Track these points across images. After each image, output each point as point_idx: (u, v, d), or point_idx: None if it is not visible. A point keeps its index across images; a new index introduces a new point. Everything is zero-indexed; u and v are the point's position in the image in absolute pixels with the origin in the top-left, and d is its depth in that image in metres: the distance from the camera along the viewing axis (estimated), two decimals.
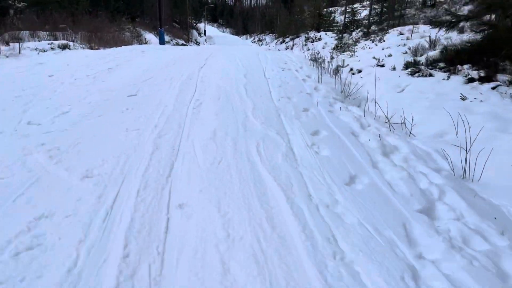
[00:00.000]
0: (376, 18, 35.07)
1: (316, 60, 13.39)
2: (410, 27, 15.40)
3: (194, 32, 54.59)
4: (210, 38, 64.27)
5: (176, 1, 47.96)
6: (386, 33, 17.02)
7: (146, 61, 11.20)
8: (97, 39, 19.31)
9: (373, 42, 16.77)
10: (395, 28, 16.99)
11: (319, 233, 3.27)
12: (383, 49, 12.74)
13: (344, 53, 20.96)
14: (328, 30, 37.49)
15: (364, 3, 44.62)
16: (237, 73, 10.02)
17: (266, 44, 52.42)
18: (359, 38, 22.91)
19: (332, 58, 11.86)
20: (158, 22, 32.87)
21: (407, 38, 13.14)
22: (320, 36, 34.67)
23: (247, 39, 75.00)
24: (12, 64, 10.25)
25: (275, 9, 54.30)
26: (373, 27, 25.53)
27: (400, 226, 3.45)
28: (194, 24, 66.37)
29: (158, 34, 25.11)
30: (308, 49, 32.98)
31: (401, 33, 14.67)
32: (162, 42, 24.56)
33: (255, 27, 76.47)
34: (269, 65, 12.31)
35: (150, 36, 27.11)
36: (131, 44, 22.04)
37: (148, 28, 32.98)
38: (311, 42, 34.39)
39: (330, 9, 42.29)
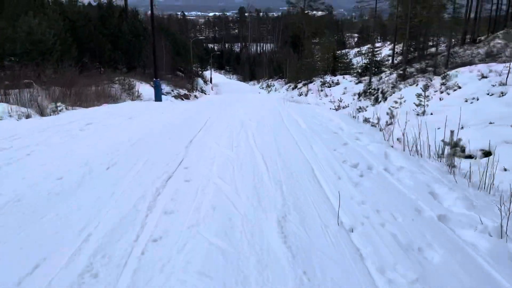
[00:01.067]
0: (399, 58, 31.36)
1: (374, 123, 9.02)
2: (481, 66, 11.15)
3: (200, 80, 51.56)
4: (216, 86, 61.33)
5: (179, 49, 45.13)
6: (447, 75, 12.80)
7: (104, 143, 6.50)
8: (74, 96, 15.39)
9: (426, 89, 12.53)
10: (461, 69, 12.76)
11: None
12: (468, 101, 8.40)
13: (384, 102, 16.82)
14: (345, 73, 33.74)
15: (378, 43, 41.24)
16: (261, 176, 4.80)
17: (275, 90, 49.01)
18: (394, 81, 18.82)
19: (391, 116, 7.58)
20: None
21: (501, 84, 8.76)
22: (337, 80, 30.83)
23: (254, 85, 72.17)
24: None
25: (284, 54, 51.50)
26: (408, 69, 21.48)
27: None
28: (200, 72, 63.73)
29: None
30: (326, 95, 29.09)
31: (483, 76, 10.31)
32: (158, 96, 20.73)
33: (262, 72, 73.93)
34: (318, 150, 6.21)
35: (145, 89, 23.37)
36: (119, 100, 18.15)
37: (146, 79, 29.51)
38: (328, 87, 30.55)
39: (342, 51, 38.92)
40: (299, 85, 35.63)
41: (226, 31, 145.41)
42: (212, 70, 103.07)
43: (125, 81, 20.62)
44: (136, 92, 21.17)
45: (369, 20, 75.27)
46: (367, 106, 17.62)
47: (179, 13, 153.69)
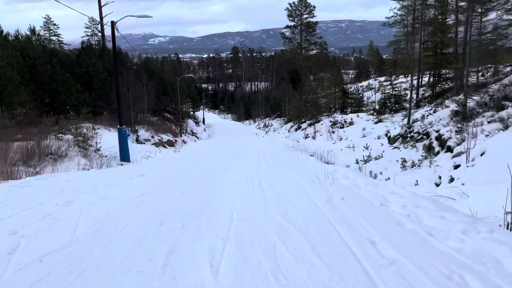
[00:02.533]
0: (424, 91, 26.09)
1: None
2: None
3: (190, 122, 46.20)
4: (209, 126, 55.99)
5: (166, 88, 39.99)
6: None
7: None
8: None
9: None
10: None
11: None
12: None
13: (443, 152, 11.04)
14: (356, 111, 28.35)
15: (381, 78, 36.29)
16: None
17: (274, 130, 43.59)
18: (449, 122, 13.22)
19: None
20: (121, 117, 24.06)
21: None
22: (351, 119, 25.36)
23: (250, 124, 66.94)
24: None
25: (281, 91, 46.64)
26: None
27: None
28: (192, 112, 58.56)
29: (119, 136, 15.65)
30: (340, 138, 23.54)
31: None
32: (124, 153, 15.15)
33: (258, 111, 68.99)
34: None
35: (113, 138, 17.67)
36: (63, 159, 12.48)
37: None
38: (340, 127, 25.04)
39: (350, 85, 33.67)
40: (304, 125, 30.16)
41: (220, 71, 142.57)
42: (206, 110, 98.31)
43: (78, 130, 14.94)
44: (95, 145, 15.45)
45: (370, 55, 71.61)
46: (420, 161, 11.94)
47: (173, 55, 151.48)
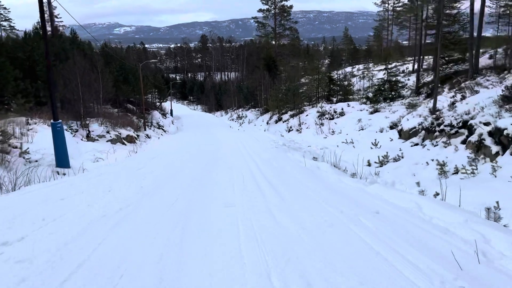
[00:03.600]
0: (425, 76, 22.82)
1: None
2: None
3: (156, 114, 41.54)
4: (178, 118, 51.44)
5: (128, 76, 35.25)
6: None
7: None
8: None
9: None
10: None
11: None
12: None
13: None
14: (345, 100, 24.88)
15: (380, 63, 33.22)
16: None
17: (249, 123, 39.70)
18: (487, 108, 9.75)
19: None
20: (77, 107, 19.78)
21: None
22: (341, 109, 21.84)
23: (222, 116, 62.71)
24: None
25: (256, 80, 42.74)
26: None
27: None
28: (158, 103, 53.73)
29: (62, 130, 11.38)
30: (332, 132, 19.96)
31: None
32: (61, 157, 11.00)
33: (230, 101, 64.78)
34: None
35: (46, 136, 13.27)
36: None
37: (65, 118, 19.46)
38: (330, 119, 21.48)
39: (338, 72, 29.97)
40: (285, 116, 26.44)
41: (188, 61, 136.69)
42: (174, 101, 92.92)
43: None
44: (20, 147, 11.17)
45: (345, 43, 68.82)
46: (472, 166, 8.45)
47: (138, 45, 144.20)
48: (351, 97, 25.79)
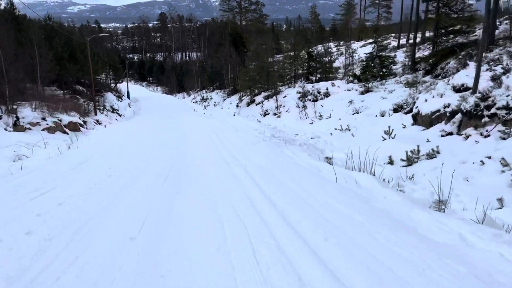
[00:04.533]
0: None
1: None
2: None
3: (110, 96, 36.76)
4: (136, 101, 46.62)
5: (75, 53, 30.33)
6: None
7: None
8: None
9: None
10: None
11: None
12: None
13: None
14: (327, 79, 21.74)
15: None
16: None
17: (215, 105, 35.90)
18: None
19: None
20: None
21: None
22: (326, 89, 18.66)
23: (184, 98, 58.25)
24: None
25: (222, 57, 38.67)
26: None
27: None
28: (113, 84, 48.57)
29: None
30: (320, 116, 16.75)
31: None
32: None
33: (193, 83, 60.26)
34: None
35: None
36: None
37: None
38: (313, 100, 18.27)
39: (317, 47, 26.49)
40: (258, 98, 22.95)
41: (147, 41, 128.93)
42: (132, 82, 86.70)
43: None
44: None
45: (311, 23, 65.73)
46: None
47: (93, 24, 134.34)
48: (331, 75, 22.69)
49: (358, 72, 19.54)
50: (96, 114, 27.30)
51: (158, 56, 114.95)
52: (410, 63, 18.19)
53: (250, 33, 41.97)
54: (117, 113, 33.53)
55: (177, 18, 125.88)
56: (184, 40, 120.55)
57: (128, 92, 47.42)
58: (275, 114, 18.99)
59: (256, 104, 22.42)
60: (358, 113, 14.65)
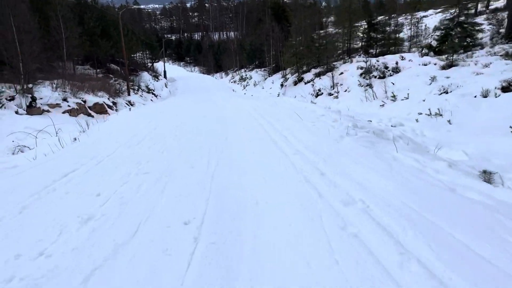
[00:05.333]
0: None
1: None
2: None
3: (146, 76, 34.63)
4: (173, 81, 44.49)
5: (109, 29, 28.17)
6: None
7: None
8: None
9: None
10: None
11: None
12: None
13: None
14: (391, 52, 18.20)
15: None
16: None
17: (255, 85, 32.93)
18: None
19: None
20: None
21: None
22: (396, 63, 15.25)
23: (222, 78, 55.63)
24: None
25: (263, 34, 35.34)
26: None
27: None
28: (150, 64, 46.60)
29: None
30: (393, 97, 13.37)
31: None
32: None
33: (231, 62, 57.39)
34: None
35: None
36: None
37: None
38: (380, 77, 14.90)
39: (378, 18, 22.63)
40: (307, 76, 19.73)
41: (184, 20, 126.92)
42: (170, 62, 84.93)
43: None
44: None
45: None
46: None
47: (135, 6, 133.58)
48: (395, 48, 19.04)
49: (434, 43, 15.88)
50: (129, 95, 25.13)
51: (196, 35, 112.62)
52: (504, 30, 14.40)
53: (292, 8, 38.29)
54: (153, 93, 31.32)
55: None
56: (221, 19, 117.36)
57: (165, 71, 45.32)
58: (330, 94, 15.82)
59: (306, 83, 19.25)
60: (447, 92, 11.25)
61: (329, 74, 16.98)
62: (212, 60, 67.51)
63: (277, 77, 29.35)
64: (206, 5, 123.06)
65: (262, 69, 37.11)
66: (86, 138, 7.83)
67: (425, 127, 9.30)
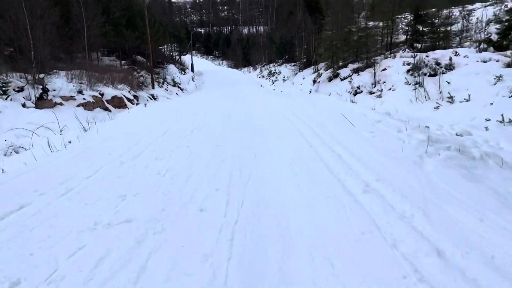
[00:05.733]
0: None
1: None
2: None
3: (172, 69, 33.50)
4: (200, 74, 43.36)
5: (135, 19, 27.12)
6: None
7: None
8: None
9: None
10: None
11: None
12: None
13: None
14: (439, 47, 16.17)
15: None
16: None
17: (284, 80, 31.23)
18: None
19: None
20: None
21: None
22: (449, 59, 13.25)
23: (250, 72, 54.11)
24: None
25: (294, 27, 33.50)
26: None
27: None
28: (178, 57, 45.62)
29: None
30: (450, 98, 11.18)
31: None
32: None
33: (259, 56, 55.71)
34: None
35: None
36: None
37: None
38: (430, 75, 12.96)
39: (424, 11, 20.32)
40: (344, 71, 17.89)
41: (214, 14, 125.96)
42: (198, 55, 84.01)
43: None
44: None
45: None
46: None
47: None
48: (441, 42, 16.95)
49: (494, 37, 13.77)
50: (153, 88, 24.03)
51: (225, 29, 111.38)
52: None
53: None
54: (179, 87, 30.16)
55: None
56: (251, 13, 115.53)
57: (192, 65, 44.23)
58: (371, 92, 14.01)
59: (342, 79, 17.45)
60: None
61: (370, 70, 15.14)
62: (241, 54, 66.06)
63: (309, 73, 27.54)
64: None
65: (292, 64, 35.31)
66: (77, 145, 6.43)
67: (500, 138, 7.46)
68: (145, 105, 14.70)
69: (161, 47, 40.50)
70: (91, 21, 17.99)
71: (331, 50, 18.35)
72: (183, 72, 38.78)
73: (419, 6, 16.60)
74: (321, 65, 24.80)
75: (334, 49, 18.38)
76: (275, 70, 38.30)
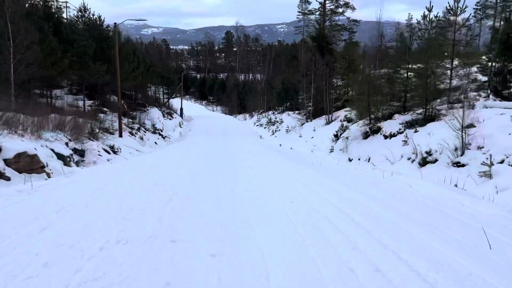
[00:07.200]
0: None
1: None
2: None
3: (155, 112, 27.61)
4: (189, 120, 37.72)
5: (107, 50, 21.65)
6: None
7: None
8: None
9: None
10: None
11: None
12: None
13: None
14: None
15: None
16: None
17: (288, 131, 25.43)
18: None
19: None
20: None
21: None
22: None
23: (245, 119, 48.70)
24: None
25: (301, 69, 28.14)
26: None
27: None
28: (166, 100, 40.14)
29: None
30: None
31: None
32: None
33: (256, 103, 50.58)
34: None
35: None
36: None
37: None
38: None
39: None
40: (387, 125, 12.05)
41: (211, 60, 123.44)
42: (191, 100, 79.17)
43: None
44: None
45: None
46: None
47: (160, 42, 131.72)
48: None
49: None
50: (120, 136, 17.97)
51: (221, 75, 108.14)
52: None
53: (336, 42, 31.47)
54: (160, 134, 24.25)
55: (243, 37, 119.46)
56: (248, 61, 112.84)
57: (181, 109, 38.60)
58: (458, 164, 8.07)
59: (387, 136, 11.56)
60: None
61: (436, 124, 9.27)
62: (236, 100, 61.09)
63: (320, 123, 21.82)
64: (234, 49, 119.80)
65: (296, 112, 29.79)
66: None
67: None
68: (155, 143, 8.07)
69: (148, 87, 35.12)
70: (23, 39, 12.19)
71: (367, 96, 12.68)
72: (170, 117, 33.08)
73: (509, 34, 11.14)
74: (339, 114, 19.15)
75: (371, 93, 12.70)
76: (275, 118, 32.73)
